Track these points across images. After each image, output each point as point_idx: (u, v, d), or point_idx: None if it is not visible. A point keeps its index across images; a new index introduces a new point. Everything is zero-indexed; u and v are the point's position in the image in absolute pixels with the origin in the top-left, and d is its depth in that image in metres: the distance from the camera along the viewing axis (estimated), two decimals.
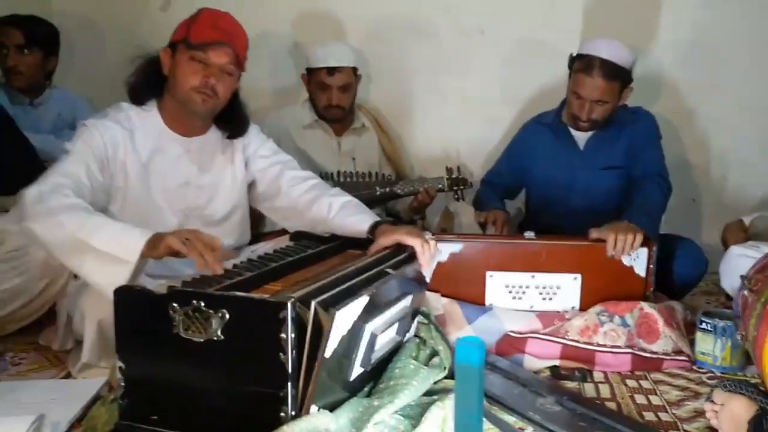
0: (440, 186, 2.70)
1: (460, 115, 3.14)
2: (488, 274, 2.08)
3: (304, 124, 2.79)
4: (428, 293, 1.96)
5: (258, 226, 2.38)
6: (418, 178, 2.79)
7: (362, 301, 1.38)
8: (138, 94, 1.93)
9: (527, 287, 2.07)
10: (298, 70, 2.92)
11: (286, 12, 3.18)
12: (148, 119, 1.92)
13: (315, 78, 2.73)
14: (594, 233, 2.07)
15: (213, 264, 1.52)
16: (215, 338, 1.31)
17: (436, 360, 1.76)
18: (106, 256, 1.57)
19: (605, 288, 2.04)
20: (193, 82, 1.84)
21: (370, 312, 1.42)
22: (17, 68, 2.72)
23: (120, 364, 1.38)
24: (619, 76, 2.34)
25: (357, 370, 1.49)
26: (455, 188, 2.70)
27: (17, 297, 2.03)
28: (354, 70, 2.75)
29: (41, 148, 2.40)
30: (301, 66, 2.85)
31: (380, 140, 2.96)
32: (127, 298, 1.38)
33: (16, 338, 2.07)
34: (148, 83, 1.92)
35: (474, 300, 2.07)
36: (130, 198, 1.87)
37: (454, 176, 2.69)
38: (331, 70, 2.69)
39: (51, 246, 1.66)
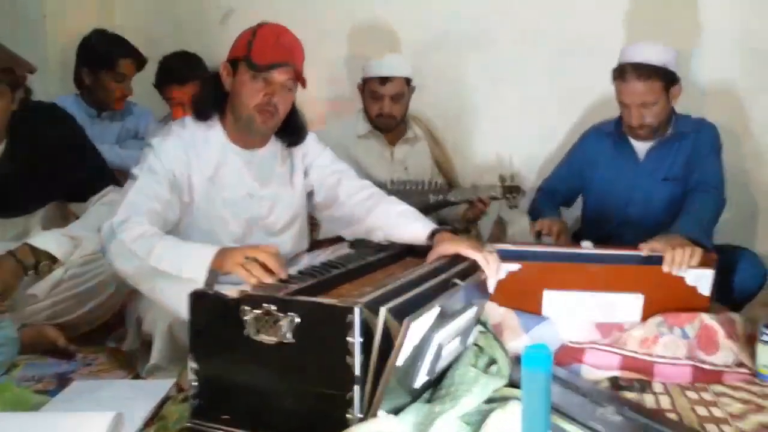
0: (493, 194, 2.72)
1: (514, 124, 3.15)
2: (546, 292, 2.07)
3: (358, 134, 2.84)
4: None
5: (314, 233, 2.43)
6: (471, 186, 2.81)
7: (434, 312, 1.40)
8: (200, 111, 1.98)
9: (584, 306, 2.04)
10: (352, 81, 2.97)
11: (342, 23, 3.24)
12: (210, 134, 1.98)
13: (368, 87, 2.79)
14: (645, 249, 2.03)
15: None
16: (285, 341, 1.36)
17: (494, 368, 1.77)
18: (176, 278, 1.64)
19: (667, 308, 2.00)
20: (256, 101, 1.89)
21: (439, 322, 1.45)
22: (125, 95, 2.88)
23: (193, 364, 1.43)
24: (656, 74, 2.33)
25: (422, 379, 1.51)
26: (509, 196, 2.71)
27: (89, 300, 2.13)
28: (407, 80, 2.79)
29: (107, 159, 2.49)
30: (355, 77, 2.90)
31: (432, 150, 2.99)
32: (202, 301, 1.43)
33: (86, 339, 2.15)
34: (210, 99, 1.98)
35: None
36: (196, 212, 1.94)
37: (507, 184, 2.70)
38: (384, 80, 2.75)
39: (128, 276, 1.74)
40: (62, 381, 1.86)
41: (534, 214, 2.59)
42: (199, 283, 1.61)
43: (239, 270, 1.57)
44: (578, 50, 3.02)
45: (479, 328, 1.87)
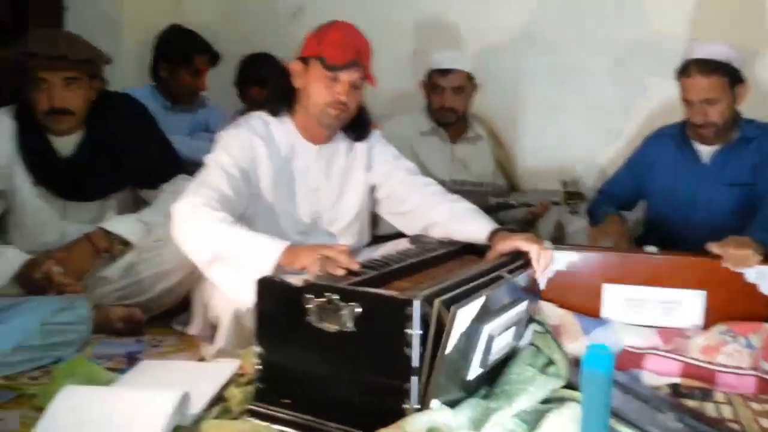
0: (555, 199, 2.70)
1: (576, 127, 3.12)
2: (605, 286, 2.06)
3: (421, 130, 2.87)
4: (543, 303, 1.98)
5: (375, 227, 2.46)
6: (532, 190, 2.81)
7: (479, 301, 1.42)
8: (272, 106, 2.04)
9: (647, 301, 2.04)
10: (416, 78, 3.00)
11: (406, 21, 3.27)
12: (280, 128, 2.03)
13: (430, 81, 2.82)
14: (713, 247, 2.01)
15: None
16: (346, 330, 1.39)
17: (552, 369, 1.77)
18: (242, 269, 1.68)
19: (729, 305, 1.98)
20: (327, 99, 1.94)
21: (486, 313, 1.46)
22: (198, 89, 2.99)
23: (258, 349, 1.48)
24: (719, 70, 2.29)
25: (475, 371, 1.53)
26: (570, 202, 2.69)
27: (158, 283, 2.21)
28: (468, 76, 2.80)
29: (178, 150, 2.58)
30: (419, 74, 2.93)
31: (494, 150, 2.99)
32: (268, 288, 1.48)
33: (154, 322, 2.24)
34: (281, 95, 2.04)
35: (589, 312, 2.05)
36: (264, 203, 1.99)
37: (569, 189, 2.68)
38: (445, 72, 2.78)
39: (195, 257, 1.79)
40: (131, 360, 1.95)
41: (592, 215, 2.57)
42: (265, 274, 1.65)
43: (313, 267, 1.60)
44: (641, 54, 2.98)
45: (536, 327, 1.87)
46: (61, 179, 2.23)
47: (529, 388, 1.59)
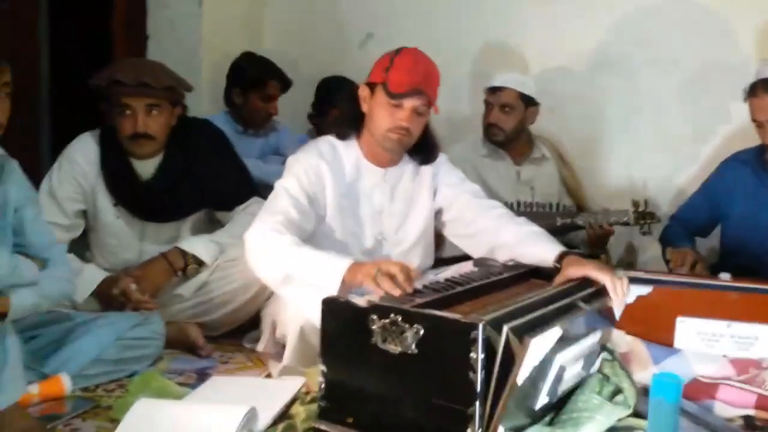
0: (625, 219, 2.65)
1: (648, 149, 3.06)
2: (679, 319, 2.00)
3: (483, 152, 2.87)
4: (613, 330, 1.94)
5: (438, 250, 2.47)
6: (601, 211, 2.75)
7: (556, 332, 1.40)
8: (340, 129, 2.10)
9: (721, 336, 1.97)
10: (475, 101, 3.01)
11: (473, 45, 3.28)
12: (347, 152, 2.08)
13: (485, 99, 2.83)
14: None
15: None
16: (409, 351, 1.40)
17: (619, 398, 1.73)
18: (312, 286, 1.73)
19: None
20: (389, 124, 1.98)
21: (561, 344, 1.44)
22: (271, 114, 3.10)
23: (323, 367, 1.50)
24: None
25: (542, 400, 1.51)
26: (641, 222, 2.63)
27: (229, 302, 2.28)
28: (522, 96, 2.78)
29: (250, 173, 2.66)
30: (479, 96, 2.94)
31: (561, 171, 2.96)
32: (333, 308, 1.50)
33: (224, 339, 2.31)
34: (349, 119, 2.09)
35: (661, 344, 2.00)
36: (329, 225, 2.04)
37: (641, 210, 2.63)
38: (494, 90, 2.79)
39: (268, 279, 1.86)
40: (201, 376, 2.01)
41: (665, 243, 2.50)
42: (332, 292, 1.68)
43: (370, 282, 1.63)
44: (716, 75, 2.90)
45: (605, 355, 1.84)
46: (141, 201, 2.32)
47: (596, 416, 1.56)
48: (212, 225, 2.48)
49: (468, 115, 3.16)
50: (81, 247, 2.37)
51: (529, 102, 2.82)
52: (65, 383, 1.83)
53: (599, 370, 1.80)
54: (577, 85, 3.13)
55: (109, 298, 2.20)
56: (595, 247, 2.74)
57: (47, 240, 1.81)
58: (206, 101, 3.22)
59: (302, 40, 3.57)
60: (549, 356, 1.41)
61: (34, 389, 1.77)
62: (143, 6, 3.26)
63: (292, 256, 1.79)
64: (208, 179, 2.36)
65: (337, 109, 3.03)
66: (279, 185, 2.00)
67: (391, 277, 1.61)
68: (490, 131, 2.83)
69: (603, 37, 3.09)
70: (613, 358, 1.85)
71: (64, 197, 2.28)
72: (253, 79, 3.02)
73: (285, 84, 3.10)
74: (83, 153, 2.30)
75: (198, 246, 2.30)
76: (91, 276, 2.24)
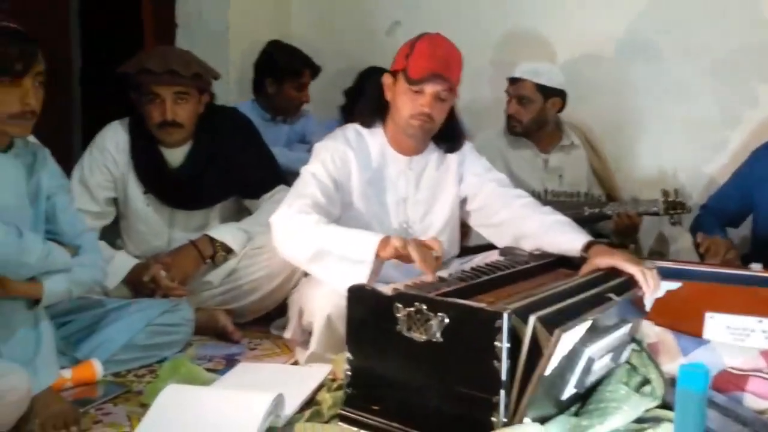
0: (655, 209, 2.61)
1: (678, 137, 3.01)
2: (708, 315, 1.96)
3: (507, 142, 2.85)
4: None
5: (464, 239, 2.46)
6: (630, 200, 2.72)
7: (585, 325, 1.39)
8: (365, 117, 2.11)
9: (752, 331, 1.93)
10: (496, 89, 2.99)
11: (497, 31, 3.25)
12: (372, 140, 2.09)
13: (506, 90, 2.82)
14: None
15: (431, 267, 1.65)
16: (434, 340, 1.40)
17: (647, 388, 1.72)
18: (345, 260, 1.75)
19: None
20: (411, 111, 1.98)
21: (590, 336, 1.44)
22: (303, 102, 3.12)
23: (348, 355, 1.52)
24: None
25: (570, 391, 1.50)
26: (671, 212, 2.60)
27: (257, 289, 2.31)
28: (540, 87, 2.75)
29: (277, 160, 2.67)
30: (501, 85, 2.91)
31: (590, 159, 2.93)
32: (358, 296, 1.52)
33: (252, 326, 2.34)
34: (374, 107, 2.09)
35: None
36: (356, 212, 2.05)
37: (670, 199, 2.59)
38: (512, 81, 2.78)
39: (298, 261, 1.88)
40: (230, 362, 2.04)
41: (696, 232, 2.46)
42: (368, 263, 1.72)
43: (404, 247, 1.69)
44: (747, 61, 2.84)
45: (633, 346, 1.82)
46: (170, 189, 2.35)
47: (623, 406, 1.55)
48: (240, 213, 2.50)
49: (491, 104, 3.14)
50: (112, 234, 2.41)
51: (549, 93, 2.78)
52: (97, 368, 1.87)
53: (627, 361, 1.79)
54: (605, 72, 3.09)
55: (139, 284, 2.24)
56: (624, 237, 2.71)
57: (79, 227, 1.85)
58: (234, 89, 3.24)
59: (329, 28, 3.57)
60: (578, 348, 1.41)
61: (67, 374, 1.81)
62: None
63: (322, 232, 1.81)
64: (236, 167, 2.38)
65: None
66: (305, 170, 2.01)
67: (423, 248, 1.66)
68: (509, 122, 2.81)
69: (631, 24, 3.04)
70: (641, 349, 1.83)
71: (94, 185, 2.31)
72: (287, 69, 3.05)
73: (315, 71, 3.12)
74: (113, 141, 2.33)
75: (226, 234, 2.33)
76: (122, 263, 2.27)
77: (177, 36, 3.28)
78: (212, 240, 2.32)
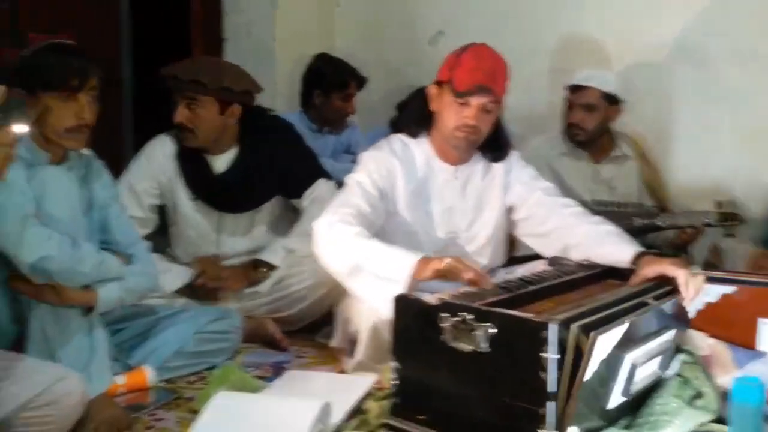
0: (707, 220, 2.55)
1: (732, 145, 2.92)
2: (761, 320, 1.91)
3: (560, 151, 2.82)
4: (693, 332, 1.87)
5: (512, 249, 2.45)
6: (683, 212, 2.66)
7: (621, 328, 1.38)
8: (410, 128, 2.11)
9: None
10: (554, 98, 2.96)
11: (548, 39, 3.23)
12: (418, 149, 2.09)
13: (566, 97, 2.78)
14: None
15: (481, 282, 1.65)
16: (480, 350, 1.40)
17: (700, 402, 1.68)
18: (379, 278, 1.75)
19: None
20: (456, 123, 1.98)
21: (629, 341, 1.42)
22: (349, 113, 3.17)
23: (395, 364, 1.52)
24: None
25: (616, 399, 1.48)
26: (725, 223, 2.53)
27: (304, 298, 2.34)
28: (604, 95, 2.72)
29: None
30: (557, 92, 2.89)
31: (642, 170, 2.88)
32: (403, 305, 1.52)
33: (299, 334, 2.36)
34: (419, 117, 2.10)
35: (742, 346, 1.92)
36: (401, 221, 2.05)
37: (724, 210, 2.53)
38: (576, 88, 2.73)
39: (334, 270, 1.88)
40: (277, 370, 2.06)
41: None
42: (400, 284, 1.70)
43: (446, 269, 1.68)
44: None
45: (684, 357, 1.78)
46: (216, 193, 2.43)
47: (675, 420, 1.52)
48: (287, 213, 2.55)
49: (545, 112, 3.11)
50: (162, 244, 2.47)
51: (611, 100, 2.75)
52: (149, 375, 1.91)
53: (679, 373, 1.75)
54: (654, 78, 3.03)
55: (195, 292, 2.35)
56: (677, 250, 2.65)
57: (132, 237, 1.90)
58: (281, 101, 3.29)
59: (372, 39, 3.59)
60: (618, 353, 1.39)
61: (120, 380, 1.86)
62: (219, 10, 3.36)
63: (359, 247, 1.80)
64: (277, 169, 2.44)
65: None
66: (351, 179, 2.02)
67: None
68: (571, 131, 2.77)
69: (680, 28, 2.98)
70: (693, 361, 1.79)
71: (141, 191, 2.39)
72: (334, 81, 3.09)
73: (361, 82, 3.16)
74: (161, 150, 2.41)
75: (275, 258, 2.42)
76: (178, 274, 2.37)
77: (225, 50, 3.36)
78: (260, 263, 2.42)
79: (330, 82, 3.09)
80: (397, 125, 3.10)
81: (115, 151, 3.81)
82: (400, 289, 1.70)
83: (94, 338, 1.73)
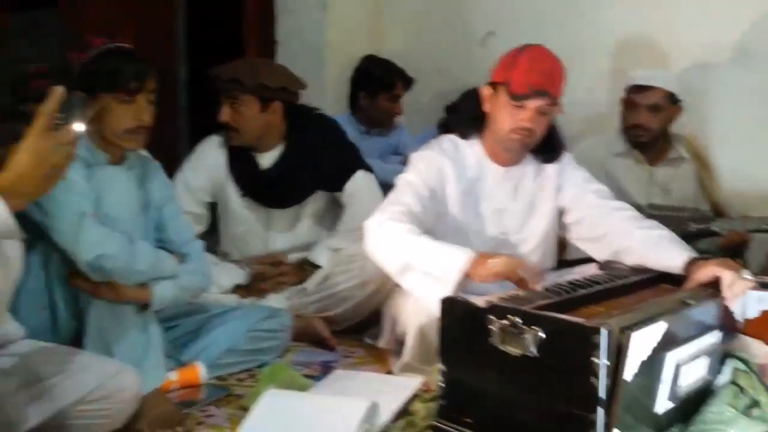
0: (765, 226, 2.48)
1: None
2: None
3: (615, 152, 2.78)
4: (749, 339, 1.82)
5: (562, 252, 2.42)
6: (739, 217, 2.59)
7: (660, 326, 1.36)
8: (462, 129, 2.11)
9: None
10: (612, 98, 2.91)
11: (605, 39, 3.18)
12: (469, 150, 2.09)
13: (626, 98, 2.74)
14: None
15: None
16: (529, 354, 1.39)
17: (756, 411, 1.63)
18: (429, 276, 1.75)
19: None
20: (511, 125, 1.96)
21: (670, 340, 1.39)
22: (397, 114, 3.20)
23: (441, 366, 1.52)
24: None
25: (663, 403, 1.45)
26: None
27: (350, 298, 2.36)
28: (668, 95, 2.67)
29: None
30: (616, 93, 2.84)
31: (698, 173, 2.82)
32: (451, 307, 1.51)
33: (347, 334, 2.38)
34: (471, 118, 2.09)
35: None
36: (451, 222, 2.05)
37: None
38: (641, 89, 2.68)
39: (386, 266, 1.89)
40: (325, 369, 2.08)
41: None
42: (451, 283, 1.71)
43: (507, 271, 1.68)
44: None
45: (739, 365, 1.73)
46: (262, 189, 2.49)
47: (730, 430, 1.49)
48: (332, 207, 2.59)
49: (603, 112, 3.07)
50: (211, 243, 2.53)
51: (675, 101, 2.70)
52: (201, 371, 1.95)
53: (733, 381, 1.71)
54: (713, 81, 2.96)
55: (249, 289, 2.42)
56: (728, 255, 2.58)
57: (186, 236, 1.95)
58: (330, 103, 3.32)
59: (422, 41, 3.60)
60: (659, 354, 1.37)
61: (173, 376, 1.90)
62: (272, 14, 3.42)
63: (411, 244, 1.81)
64: (319, 164, 2.49)
65: None
66: (401, 179, 2.03)
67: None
68: (634, 132, 2.72)
69: (741, 30, 2.90)
70: (749, 369, 1.74)
71: (196, 188, 2.47)
72: (381, 82, 3.11)
73: (408, 83, 3.16)
74: (212, 149, 2.50)
75: (321, 259, 2.46)
76: (233, 273, 2.43)
77: (277, 52, 3.41)
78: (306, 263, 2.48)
79: (376, 82, 3.11)
80: (447, 127, 3.12)
81: (171, 152, 3.90)
82: (449, 287, 1.71)
83: (149, 335, 1.78)
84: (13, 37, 4.09)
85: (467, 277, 1.72)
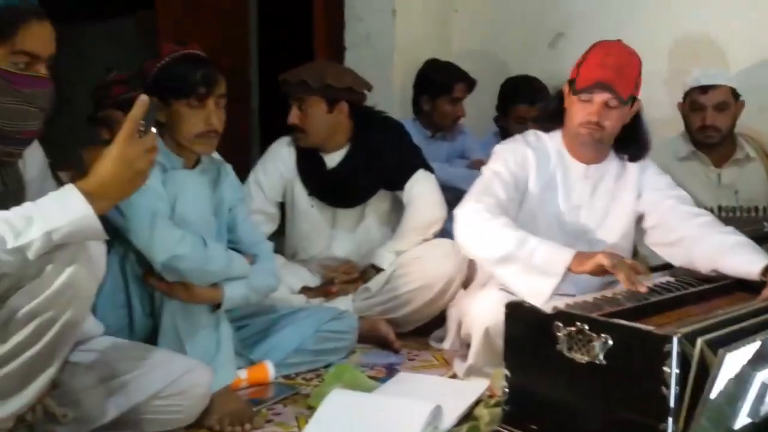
0: None
1: None
2: None
3: (679, 155, 2.70)
4: None
5: (635, 257, 2.36)
6: None
7: (754, 346, 1.30)
8: (544, 122, 2.12)
9: None
10: (671, 100, 2.83)
11: (667, 40, 3.09)
12: (551, 145, 2.07)
13: (690, 99, 2.67)
14: None
15: (639, 286, 1.64)
16: (597, 362, 1.36)
17: None
18: (534, 269, 1.75)
19: None
20: (580, 119, 1.95)
21: (761, 359, 1.33)
22: (458, 116, 3.18)
23: (506, 372, 1.51)
24: None
25: (742, 420, 1.40)
26: None
27: (413, 300, 2.36)
28: (733, 91, 2.58)
29: (438, 177, 2.72)
30: (676, 96, 2.76)
31: (767, 172, 2.71)
32: (517, 312, 1.51)
33: (411, 336, 2.39)
34: (552, 113, 2.09)
35: None
36: (527, 214, 2.03)
37: None
38: (705, 89, 2.61)
39: (483, 260, 1.90)
40: (390, 371, 2.10)
41: None
42: (557, 277, 1.72)
43: (611, 265, 1.67)
44: None
45: None
46: (328, 188, 2.54)
47: None
48: (396, 206, 2.60)
49: (663, 115, 2.98)
50: (279, 244, 2.58)
51: (738, 97, 2.62)
52: (270, 370, 1.99)
53: None
54: None
55: (312, 291, 2.47)
56: None
57: (256, 237, 2.01)
58: (397, 108, 3.33)
59: (491, 44, 3.57)
60: (748, 372, 1.31)
61: (243, 374, 1.95)
62: (341, 20, 3.46)
63: (511, 237, 1.80)
64: (382, 163, 2.50)
65: (521, 107, 3.02)
66: (487, 169, 2.03)
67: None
68: (703, 134, 2.65)
69: None
70: None
71: (268, 187, 2.53)
72: (440, 85, 3.10)
73: (470, 85, 3.14)
74: (283, 150, 2.55)
75: (384, 263, 2.46)
76: (303, 277, 2.49)
77: (346, 58, 3.45)
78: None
79: (436, 86, 3.11)
80: (500, 123, 3.12)
81: (243, 155, 4.01)
82: (555, 281, 1.72)
83: (220, 333, 1.82)
84: (91, 45, 4.30)
85: (570, 272, 1.73)
